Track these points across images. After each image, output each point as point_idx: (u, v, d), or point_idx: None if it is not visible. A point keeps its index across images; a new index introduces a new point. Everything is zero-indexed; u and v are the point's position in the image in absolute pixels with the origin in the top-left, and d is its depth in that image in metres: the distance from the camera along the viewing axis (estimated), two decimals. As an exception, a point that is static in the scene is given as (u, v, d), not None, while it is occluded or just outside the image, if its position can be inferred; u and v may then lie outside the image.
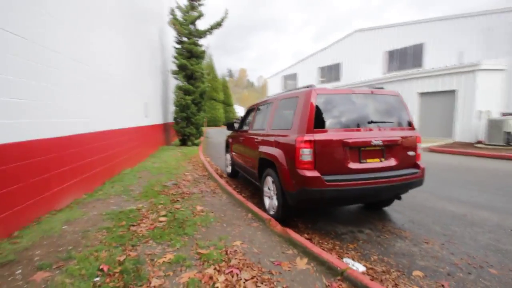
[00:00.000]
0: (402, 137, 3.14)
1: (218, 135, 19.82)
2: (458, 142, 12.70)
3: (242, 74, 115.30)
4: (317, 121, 2.89)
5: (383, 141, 3.00)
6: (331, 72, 24.78)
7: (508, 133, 10.61)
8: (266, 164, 3.67)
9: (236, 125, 5.70)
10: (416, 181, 3.16)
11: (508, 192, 4.69)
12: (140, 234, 2.87)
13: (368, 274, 2.31)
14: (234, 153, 5.59)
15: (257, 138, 3.99)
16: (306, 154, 2.81)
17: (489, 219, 3.53)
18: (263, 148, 3.66)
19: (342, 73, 23.66)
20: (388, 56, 20.37)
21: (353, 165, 2.91)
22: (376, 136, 3.00)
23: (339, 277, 2.13)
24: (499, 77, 13.38)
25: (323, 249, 2.70)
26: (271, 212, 3.53)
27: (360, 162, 2.95)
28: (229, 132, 6.13)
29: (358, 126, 3.02)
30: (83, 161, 4.22)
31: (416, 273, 2.34)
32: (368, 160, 2.99)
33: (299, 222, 3.50)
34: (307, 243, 2.62)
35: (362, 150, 2.96)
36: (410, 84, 15.27)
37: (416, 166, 3.25)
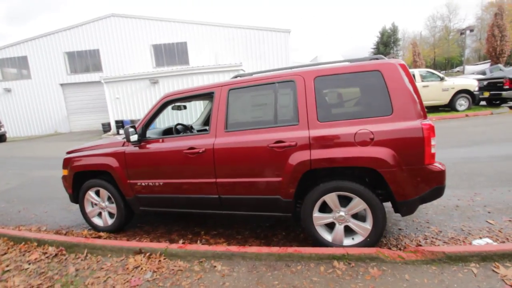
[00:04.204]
0: None
1: None
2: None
3: None
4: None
5: None
6: (88, 58, 19.87)
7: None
8: (326, 174, 2.40)
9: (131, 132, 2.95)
10: None
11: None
12: None
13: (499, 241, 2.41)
14: (147, 183, 2.96)
15: (283, 142, 2.41)
16: (433, 144, 2.21)
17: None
18: (319, 153, 2.31)
19: (103, 62, 19.82)
20: (156, 50, 20.03)
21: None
22: None
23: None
24: (246, 76, 18.10)
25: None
26: (350, 242, 2.42)
27: None
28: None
29: None
30: None
31: (504, 218, 2.81)
32: None
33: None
34: (470, 248, 2.16)
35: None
36: (182, 80, 15.64)
37: None
